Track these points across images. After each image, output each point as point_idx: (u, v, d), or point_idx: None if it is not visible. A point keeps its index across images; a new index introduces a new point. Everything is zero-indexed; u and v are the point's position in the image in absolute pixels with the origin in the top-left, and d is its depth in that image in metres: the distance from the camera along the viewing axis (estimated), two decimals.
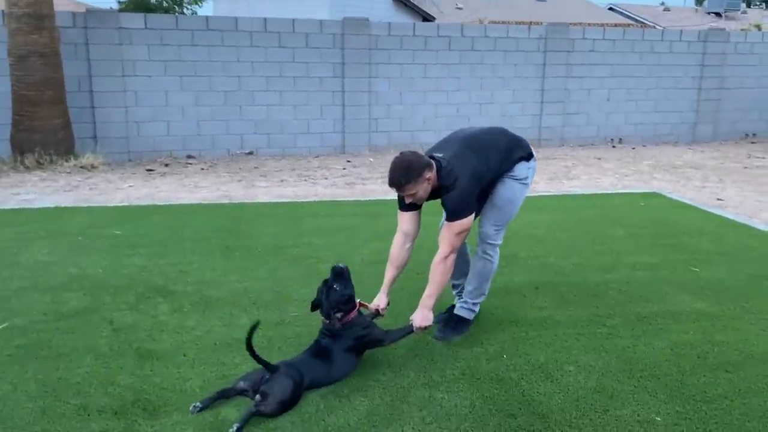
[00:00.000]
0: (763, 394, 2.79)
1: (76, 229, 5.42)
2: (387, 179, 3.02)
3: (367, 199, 6.88)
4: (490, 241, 3.32)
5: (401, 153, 3.03)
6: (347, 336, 2.94)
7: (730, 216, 6.15)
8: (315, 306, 3.05)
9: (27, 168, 8.05)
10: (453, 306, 3.52)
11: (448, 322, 3.42)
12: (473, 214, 3.07)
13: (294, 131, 9.90)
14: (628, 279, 4.26)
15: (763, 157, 10.11)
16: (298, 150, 9.94)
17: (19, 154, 8.11)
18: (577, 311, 3.71)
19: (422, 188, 2.99)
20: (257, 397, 2.62)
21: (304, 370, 2.79)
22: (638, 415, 2.62)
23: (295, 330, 3.41)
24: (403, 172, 2.94)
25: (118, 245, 4.93)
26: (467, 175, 3.01)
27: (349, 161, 9.44)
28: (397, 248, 3.19)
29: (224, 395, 2.72)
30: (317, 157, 9.79)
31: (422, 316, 3.05)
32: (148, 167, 8.72)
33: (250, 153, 9.70)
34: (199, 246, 4.94)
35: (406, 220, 3.18)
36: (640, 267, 4.51)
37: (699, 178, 8.34)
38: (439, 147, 3.19)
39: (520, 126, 10.89)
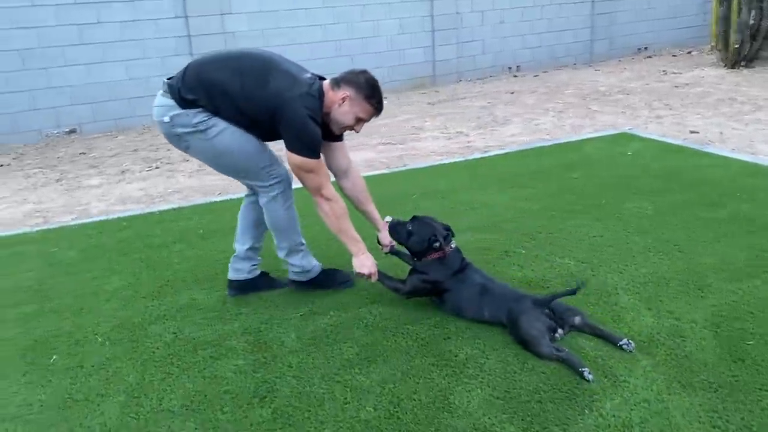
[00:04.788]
0: None
1: None
2: (381, 103, 2.72)
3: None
4: None
5: (366, 71, 2.71)
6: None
7: (739, 156, 4.78)
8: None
9: None
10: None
11: None
12: None
13: (129, 95, 7.30)
14: None
15: (680, 72, 9.06)
16: (138, 120, 7.39)
17: None
18: None
19: None
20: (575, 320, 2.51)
21: None
22: None
23: None
24: None
25: None
26: None
27: None
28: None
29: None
30: None
31: None
32: None
33: (72, 131, 7.05)
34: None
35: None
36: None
37: (642, 105, 7.01)
38: (290, 68, 2.71)
39: (412, 61, 9.10)
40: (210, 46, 7.53)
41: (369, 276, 2.77)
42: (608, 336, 2.46)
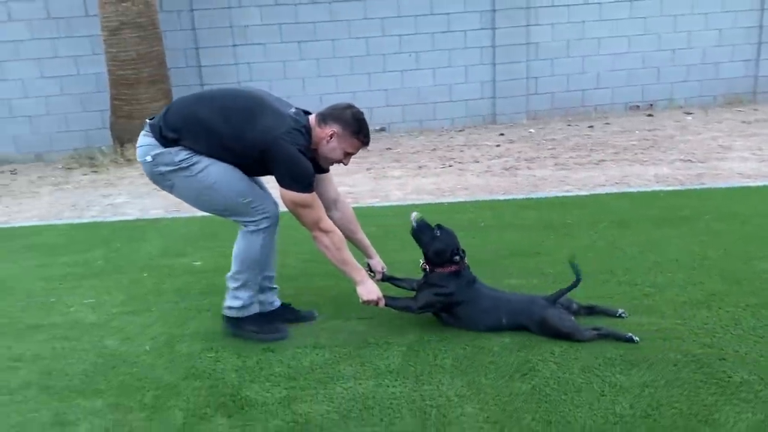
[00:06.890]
0: None
1: (144, 258, 4.03)
2: (368, 136, 2.73)
3: (542, 196, 4.92)
4: None
5: (352, 106, 2.71)
6: None
7: None
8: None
9: (128, 161, 6.92)
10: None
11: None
12: None
13: (433, 100, 8.05)
14: None
15: None
16: (438, 123, 8.10)
17: (119, 145, 7.00)
18: None
19: None
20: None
21: None
22: None
23: None
24: None
25: (188, 292, 3.44)
26: None
27: (502, 134, 7.47)
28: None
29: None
30: (461, 131, 7.89)
31: None
32: None
33: (382, 129, 8.00)
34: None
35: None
36: None
37: None
38: (275, 105, 2.67)
39: (727, 76, 8.31)
40: (512, 56, 7.89)
41: (377, 302, 2.72)
42: (604, 310, 2.81)
